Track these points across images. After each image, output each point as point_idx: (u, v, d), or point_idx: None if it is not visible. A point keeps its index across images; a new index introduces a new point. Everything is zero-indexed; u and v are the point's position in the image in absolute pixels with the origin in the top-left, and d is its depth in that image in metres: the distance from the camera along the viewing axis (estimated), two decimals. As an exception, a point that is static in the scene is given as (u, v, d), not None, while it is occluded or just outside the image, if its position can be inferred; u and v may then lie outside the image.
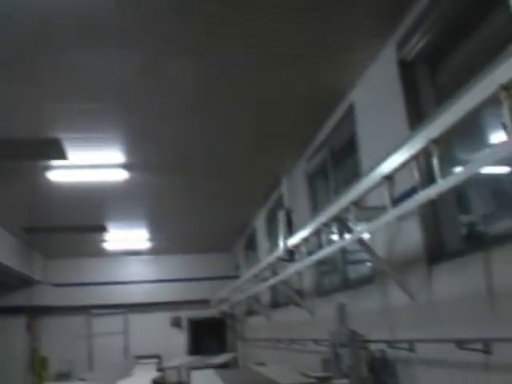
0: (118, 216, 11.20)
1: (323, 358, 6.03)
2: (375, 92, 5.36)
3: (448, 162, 3.68)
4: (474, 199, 4.45)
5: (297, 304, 7.83)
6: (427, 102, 4.57)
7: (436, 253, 4.26)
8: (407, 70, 4.74)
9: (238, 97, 5.98)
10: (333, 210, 4.79)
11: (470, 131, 3.96)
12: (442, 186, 3.02)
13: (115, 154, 7.38)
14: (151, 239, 13.53)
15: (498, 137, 2.94)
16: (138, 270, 15.87)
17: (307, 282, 7.76)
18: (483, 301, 3.50)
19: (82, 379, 9.13)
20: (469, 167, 2.78)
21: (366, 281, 5.59)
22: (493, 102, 2.62)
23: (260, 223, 11.47)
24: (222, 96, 5.90)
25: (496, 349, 3.35)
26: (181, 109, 6.16)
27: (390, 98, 4.91)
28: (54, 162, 7.40)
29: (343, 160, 6.66)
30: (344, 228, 4.74)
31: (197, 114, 6.31)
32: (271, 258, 7.43)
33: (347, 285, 6.34)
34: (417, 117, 4.45)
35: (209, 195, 9.92)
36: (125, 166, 7.78)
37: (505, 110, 2.48)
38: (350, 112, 5.90)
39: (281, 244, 6.65)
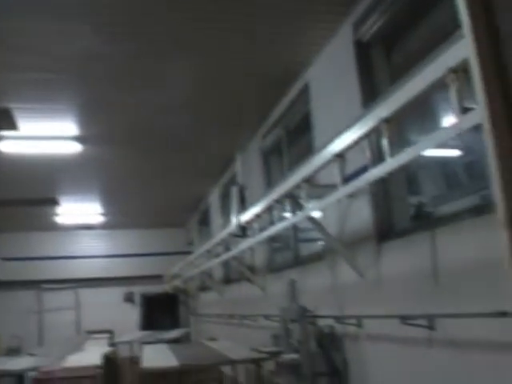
0: (70, 189, 11.01)
1: (274, 333, 6.10)
2: (330, 71, 5.39)
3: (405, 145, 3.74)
4: (426, 181, 4.54)
5: (249, 280, 7.89)
6: (382, 82, 4.62)
7: (385, 231, 4.35)
8: (363, 50, 4.77)
9: (195, 72, 5.92)
10: (285, 186, 4.83)
11: (428, 115, 4.03)
12: (390, 164, 3.08)
13: (69, 126, 7.23)
14: (104, 213, 13.38)
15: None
16: (90, 244, 15.69)
17: (259, 259, 7.82)
18: (428, 278, 3.60)
19: (31, 354, 9.02)
20: (416, 147, 2.84)
21: (316, 258, 5.66)
22: (442, 85, 2.67)
23: (214, 199, 11.47)
24: (179, 70, 5.83)
25: (439, 324, 3.46)
26: (137, 82, 6.07)
27: (345, 77, 4.95)
28: (4, 133, 7.21)
29: (298, 138, 6.70)
30: (295, 205, 4.79)
31: (153, 87, 6.22)
32: (224, 234, 7.46)
33: (298, 262, 6.41)
34: (371, 97, 4.48)
35: (164, 170, 9.85)
36: (78, 139, 7.64)
37: (452, 93, 2.53)
38: (306, 91, 5.93)
39: (233, 220, 6.67)
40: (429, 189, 4.50)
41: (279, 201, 5.07)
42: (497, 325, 2.83)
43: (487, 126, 1.21)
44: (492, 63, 1.25)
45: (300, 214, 4.65)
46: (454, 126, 2.50)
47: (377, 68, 4.71)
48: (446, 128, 2.66)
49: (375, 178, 3.34)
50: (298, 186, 4.55)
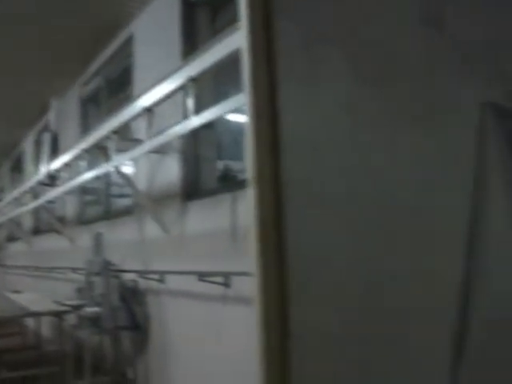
0: None
1: (78, 286, 5.98)
2: (155, 26, 5.30)
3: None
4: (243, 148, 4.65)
5: (58, 231, 7.63)
6: (204, 43, 4.61)
7: (192, 190, 4.42)
8: (189, 9, 4.74)
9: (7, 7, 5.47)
10: (94, 137, 4.70)
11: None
12: (193, 122, 3.12)
13: None
14: None
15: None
16: None
17: (70, 211, 7.58)
18: (228, 237, 3.72)
19: None
20: (217, 109, 2.90)
21: (126, 212, 5.62)
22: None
23: (28, 146, 10.87)
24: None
25: (234, 282, 3.60)
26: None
27: (168, 34, 4.89)
28: None
29: (119, 89, 6.53)
30: (105, 156, 4.69)
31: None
32: (32, 182, 7.12)
33: (109, 216, 6.32)
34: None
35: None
36: None
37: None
38: (129, 42, 5.80)
39: (43, 168, 6.38)
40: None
41: (89, 151, 4.93)
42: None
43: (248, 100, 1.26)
44: (262, 49, 1.30)
45: (107, 165, 4.55)
46: (241, 96, 2.57)
47: (201, 28, 4.71)
48: (239, 96, 2.73)
49: (178, 134, 3.36)
50: (107, 137, 4.45)
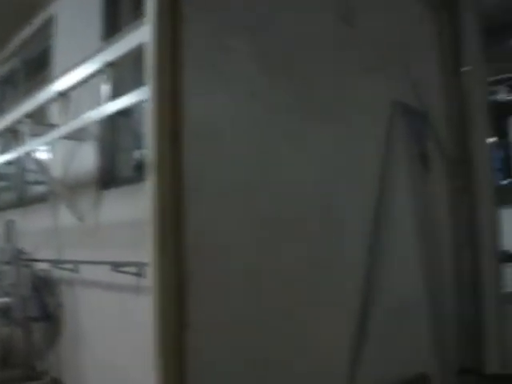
0: None
1: (-12, 276, 5.77)
2: (77, 9, 5.16)
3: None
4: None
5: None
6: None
7: (108, 179, 4.34)
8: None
9: None
10: (6, 120, 4.54)
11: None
12: (108, 108, 3.06)
13: None
14: None
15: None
16: None
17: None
18: (142, 227, 3.66)
19: None
20: (132, 95, 2.85)
21: (40, 200, 5.45)
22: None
23: None
24: None
25: (148, 272, 3.55)
26: None
27: (90, 17, 4.76)
28: None
29: (37, 70, 6.32)
30: (17, 140, 4.54)
31: None
32: None
33: (23, 203, 6.11)
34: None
35: None
36: None
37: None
38: (49, 24, 5.62)
39: (-50, 153, 6.09)
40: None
41: (1, 135, 4.75)
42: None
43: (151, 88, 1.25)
44: (167, 36, 1.29)
45: (20, 150, 4.40)
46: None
47: (124, 13, 4.62)
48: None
49: (93, 119, 3.29)
50: (20, 121, 4.30)
